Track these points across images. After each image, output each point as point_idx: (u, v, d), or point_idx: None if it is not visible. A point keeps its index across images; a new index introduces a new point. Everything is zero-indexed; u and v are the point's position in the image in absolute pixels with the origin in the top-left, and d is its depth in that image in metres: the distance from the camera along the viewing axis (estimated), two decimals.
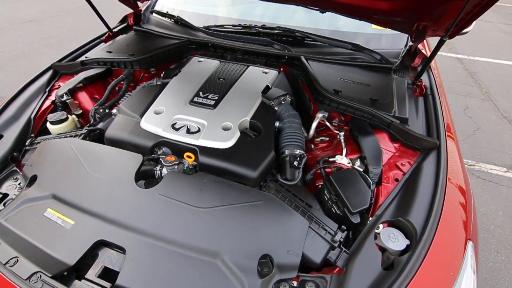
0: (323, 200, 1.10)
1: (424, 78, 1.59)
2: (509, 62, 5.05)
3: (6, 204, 1.11)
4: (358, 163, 1.20)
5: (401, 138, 1.25)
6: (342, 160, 1.21)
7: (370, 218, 1.01)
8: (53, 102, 1.57)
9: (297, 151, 1.20)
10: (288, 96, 1.44)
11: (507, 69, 4.83)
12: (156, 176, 1.16)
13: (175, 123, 1.28)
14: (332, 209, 1.05)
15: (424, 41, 1.97)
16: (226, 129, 1.26)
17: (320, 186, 1.17)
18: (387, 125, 1.28)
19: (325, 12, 1.60)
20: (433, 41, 1.60)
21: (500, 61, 5.09)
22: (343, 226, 0.99)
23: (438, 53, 1.34)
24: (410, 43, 1.73)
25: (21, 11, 6.02)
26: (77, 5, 6.23)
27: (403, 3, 1.28)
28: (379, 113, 1.29)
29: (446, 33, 1.25)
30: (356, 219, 1.00)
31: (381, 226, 0.97)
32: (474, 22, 1.40)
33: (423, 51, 1.70)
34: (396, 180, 1.12)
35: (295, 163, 1.17)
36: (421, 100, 1.49)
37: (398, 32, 1.60)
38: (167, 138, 1.23)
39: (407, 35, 1.74)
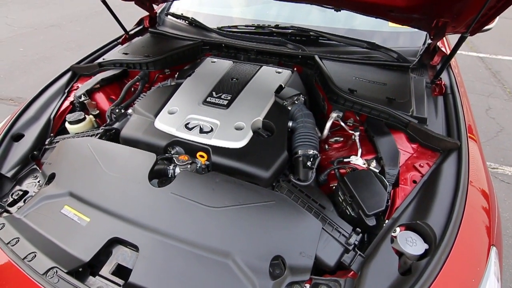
0: (337, 202, 1.07)
1: (444, 77, 1.53)
2: None
3: (26, 201, 1.15)
4: (374, 164, 1.17)
5: (420, 138, 1.21)
6: (357, 160, 1.18)
7: (387, 221, 0.98)
8: (71, 102, 1.61)
9: (311, 151, 1.18)
10: (301, 95, 1.42)
11: None
12: (169, 175, 1.17)
13: (188, 123, 1.29)
14: (347, 211, 1.03)
15: (444, 38, 1.90)
16: (238, 128, 1.26)
17: (334, 187, 1.15)
18: (404, 125, 1.24)
19: (340, 11, 1.57)
20: (453, 38, 1.54)
21: None
22: (358, 229, 0.96)
23: (458, 52, 1.29)
24: (429, 41, 1.67)
25: (43, 17, 6.27)
26: (96, 10, 6.43)
27: None
28: (396, 112, 1.25)
29: (467, 30, 1.20)
30: (371, 222, 0.97)
31: (398, 229, 0.93)
32: (497, 19, 1.34)
33: (443, 48, 1.64)
34: (414, 182, 1.08)
35: (309, 163, 1.15)
36: (440, 99, 1.44)
37: (416, 30, 1.56)
38: (180, 138, 1.24)
39: (426, 33, 1.69)
